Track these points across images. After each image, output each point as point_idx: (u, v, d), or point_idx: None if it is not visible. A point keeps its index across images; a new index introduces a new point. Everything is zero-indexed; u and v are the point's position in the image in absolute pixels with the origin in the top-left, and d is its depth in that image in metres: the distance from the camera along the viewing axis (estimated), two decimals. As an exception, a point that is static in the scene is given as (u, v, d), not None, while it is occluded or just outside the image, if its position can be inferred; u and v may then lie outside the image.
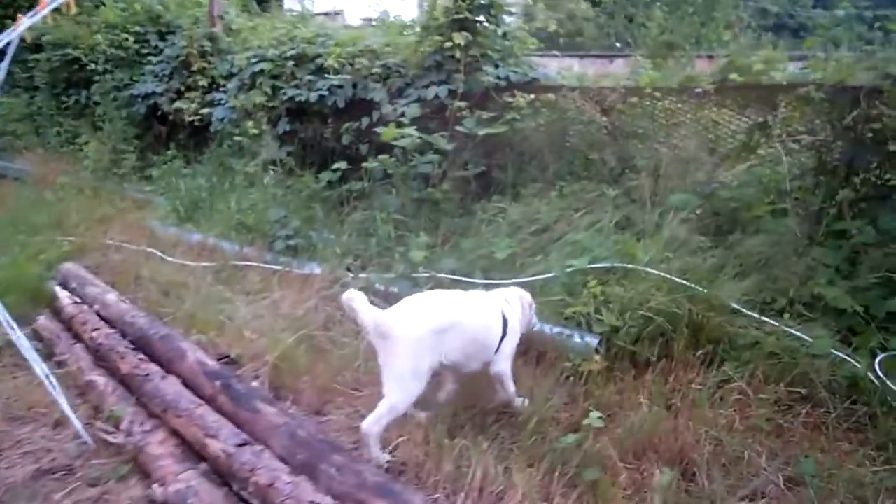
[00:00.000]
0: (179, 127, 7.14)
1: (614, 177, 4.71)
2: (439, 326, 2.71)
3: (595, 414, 2.71)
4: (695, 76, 4.44)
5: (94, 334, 3.57)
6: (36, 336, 3.96)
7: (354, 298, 2.62)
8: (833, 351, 3.09)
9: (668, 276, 3.42)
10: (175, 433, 2.74)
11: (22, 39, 3.00)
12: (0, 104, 8.81)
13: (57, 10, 3.10)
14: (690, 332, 3.28)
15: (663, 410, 2.89)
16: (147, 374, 3.02)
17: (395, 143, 4.52)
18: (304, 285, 4.24)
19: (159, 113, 7.34)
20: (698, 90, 4.29)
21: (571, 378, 3.19)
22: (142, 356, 3.23)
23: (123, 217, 6.05)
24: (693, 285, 3.37)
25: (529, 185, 4.75)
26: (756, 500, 2.54)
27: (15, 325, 2.87)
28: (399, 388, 2.63)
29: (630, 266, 3.50)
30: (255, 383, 3.15)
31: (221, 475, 2.42)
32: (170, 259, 4.98)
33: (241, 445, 2.34)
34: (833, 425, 2.88)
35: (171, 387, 2.89)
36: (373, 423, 2.55)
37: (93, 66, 8.00)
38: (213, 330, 3.75)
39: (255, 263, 4.64)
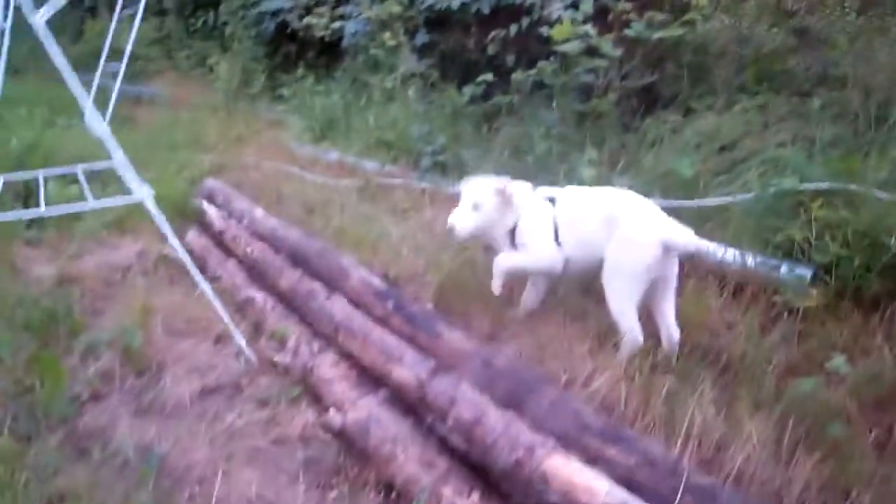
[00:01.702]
0: (309, 44, 6.89)
1: (805, 90, 4.05)
2: None
3: (839, 358, 2.26)
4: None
5: (249, 249, 3.42)
6: (188, 250, 3.91)
7: None
8: None
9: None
10: (346, 355, 2.52)
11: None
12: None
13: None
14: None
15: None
16: (311, 291, 2.81)
17: (558, 48, 4.02)
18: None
19: (289, 31, 7.11)
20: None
21: (784, 315, 2.74)
22: (301, 273, 3.03)
23: (258, 136, 5.94)
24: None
25: (703, 98, 4.16)
26: None
27: (175, 239, 2.70)
28: None
29: (856, 189, 2.93)
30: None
31: (406, 405, 2.17)
32: (309, 177, 4.80)
33: (434, 373, 2.06)
34: None
35: (338, 306, 2.66)
36: None
37: (219, -17, 7.87)
38: (365, 248, 3.52)
39: (400, 181, 4.36)
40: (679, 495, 1.53)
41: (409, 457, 1.95)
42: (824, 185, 2.99)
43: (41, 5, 2.16)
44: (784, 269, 2.87)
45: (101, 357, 2.71)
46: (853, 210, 2.90)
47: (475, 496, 1.78)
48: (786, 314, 2.72)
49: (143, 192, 2.35)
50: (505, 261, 2.79)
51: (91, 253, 3.78)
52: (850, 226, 2.79)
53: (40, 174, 2.73)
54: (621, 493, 1.50)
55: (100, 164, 2.87)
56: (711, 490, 1.56)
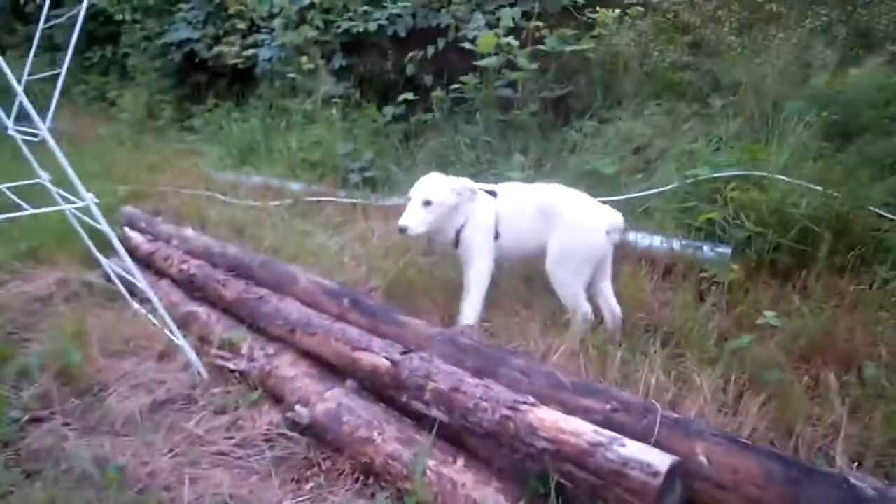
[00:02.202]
0: (219, 73, 6.81)
1: (703, 95, 4.45)
2: None
3: (770, 313, 2.48)
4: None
5: (184, 266, 3.33)
6: (108, 279, 3.74)
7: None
8: None
9: (802, 182, 3.17)
10: (305, 354, 2.50)
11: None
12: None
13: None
14: (834, 236, 3.03)
15: (827, 313, 2.65)
16: (261, 297, 2.77)
17: (479, 63, 4.22)
18: (389, 216, 3.98)
19: (196, 61, 7.00)
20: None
21: (711, 288, 2.96)
22: (247, 282, 2.99)
23: (172, 165, 5.77)
24: (832, 192, 3.11)
25: (613, 107, 4.47)
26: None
27: (120, 245, 2.60)
28: None
29: (762, 174, 3.24)
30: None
31: (377, 390, 2.19)
32: (234, 201, 4.72)
33: (405, 353, 2.09)
34: None
35: (293, 306, 2.64)
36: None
37: (120, 16, 7.64)
38: (304, 261, 3.50)
39: (330, 198, 4.38)
40: (656, 427, 1.64)
41: (386, 437, 1.97)
42: (736, 172, 3.29)
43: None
44: (707, 248, 3.13)
45: (36, 381, 2.56)
46: (762, 191, 3.21)
47: (460, 462, 1.82)
48: (713, 288, 2.95)
49: (87, 197, 2.27)
50: (470, 312, 2.78)
51: (4, 284, 3.56)
52: (762, 205, 3.08)
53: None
54: (606, 431, 1.59)
55: (27, 182, 2.76)
56: (683, 422, 1.68)
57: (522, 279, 3.08)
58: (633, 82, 4.43)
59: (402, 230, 2.73)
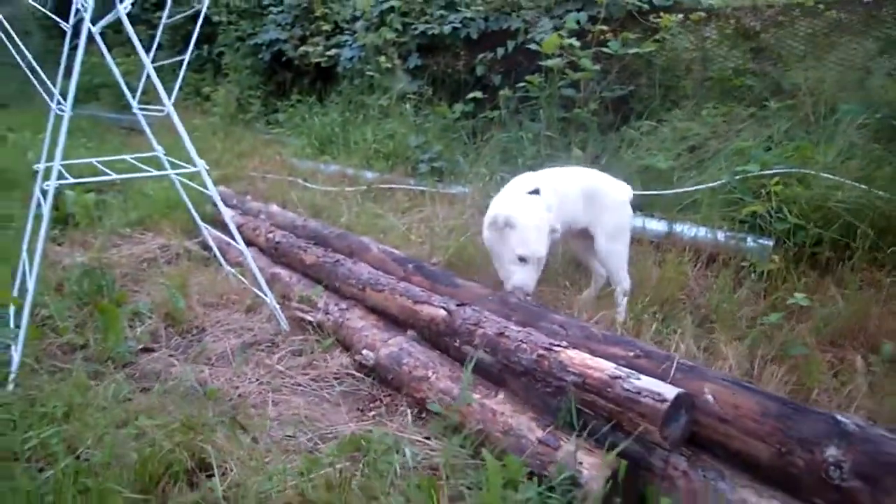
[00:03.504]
0: (303, 71, 7.34)
1: (762, 99, 4.58)
2: None
3: (800, 294, 2.67)
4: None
5: (270, 235, 3.75)
6: (204, 247, 4.22)
7: None
8: None
9: (848, 181, 3.32)
10: (373, 311, 2.85)
11: None
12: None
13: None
14: (875, 233, 3.17)
15: (861, 301, 2.82)
16: (337, 260, 3.15)
17: (544, 63, 4.52)
18: (454, 202, 4.32)
19: (283, 59, 7.56)
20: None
21: (750, 276, 3.16)
22: (325, 249, 3.37)
23: (259, 153, 6.30)
24: (877, 191, 3.25)
25: (672, 109, 4.67)
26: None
27: (222, 204, 3.03)
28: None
29: (807, 171, 3.40)
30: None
31: (433, 339, 2.51)
32: (313, 186, 5.16)
33: (460, 305, 2.41)
34: None
35: (365, 268, 3.00)
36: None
37: (217, 18, 8.29)
38: (376, 236, 3.87)
39: (400, 186, 4.75)
40: (672, 371, 1.89)
41: (440, 375, 2.29)
42: (783, 170, 3.46)
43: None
44: (749, 239, 3.32)
45: (146, 321, 3.02)
46: (807, 188, 3.37)
47: (500, 396, 2.12)
48: (752, 275, 3.14)
49: (200, 164, 2.69)
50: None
51: (117, 246, 4.08)
52: (805, 200, 3.25)
53: (94, 160, 3.08)
54: (625, 368, 1.86)
55: (145, 154, 3.24)
56: (698, 369, 1.92)
57: (569, 260, 3.36)
58: (692, 86, 4.62)
59: (528, 294, 2.68)
